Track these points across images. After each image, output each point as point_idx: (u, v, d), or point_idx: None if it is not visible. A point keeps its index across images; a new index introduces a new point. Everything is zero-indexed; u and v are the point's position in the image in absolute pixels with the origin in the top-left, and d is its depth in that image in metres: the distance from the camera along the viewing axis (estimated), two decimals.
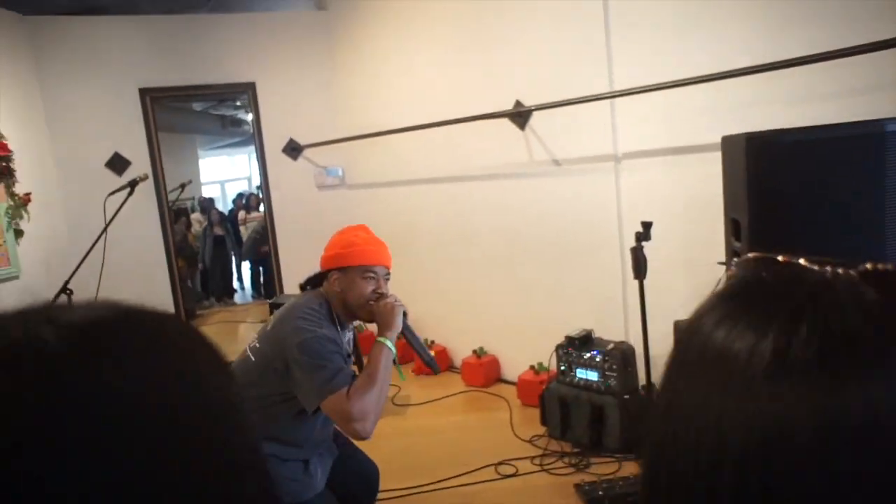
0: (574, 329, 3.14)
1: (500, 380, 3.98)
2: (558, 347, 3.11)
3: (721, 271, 2.08)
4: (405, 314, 1.84)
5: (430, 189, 4.28)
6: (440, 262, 4.31)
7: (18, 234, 4.02)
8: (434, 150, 4.15)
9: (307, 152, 4.85)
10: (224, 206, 10.66)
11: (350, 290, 1.83)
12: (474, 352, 4.00)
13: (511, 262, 3.79)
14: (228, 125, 9.67)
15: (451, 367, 4.32)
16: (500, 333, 3.97)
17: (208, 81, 4.73)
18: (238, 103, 8.75)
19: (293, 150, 4.82)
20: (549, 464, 2.84)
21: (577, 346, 3.02)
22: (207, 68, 4.68)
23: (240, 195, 10.19)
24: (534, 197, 3.57)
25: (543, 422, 3.15)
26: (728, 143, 2.00)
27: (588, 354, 2.98)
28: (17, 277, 4.01)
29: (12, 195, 3.98)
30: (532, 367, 3.58)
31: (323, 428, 1.92)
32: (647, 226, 2.48)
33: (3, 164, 3.90)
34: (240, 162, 13.60)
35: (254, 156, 13.53)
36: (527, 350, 3.74)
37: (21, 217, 4.04)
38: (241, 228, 7.77)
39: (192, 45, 4.68)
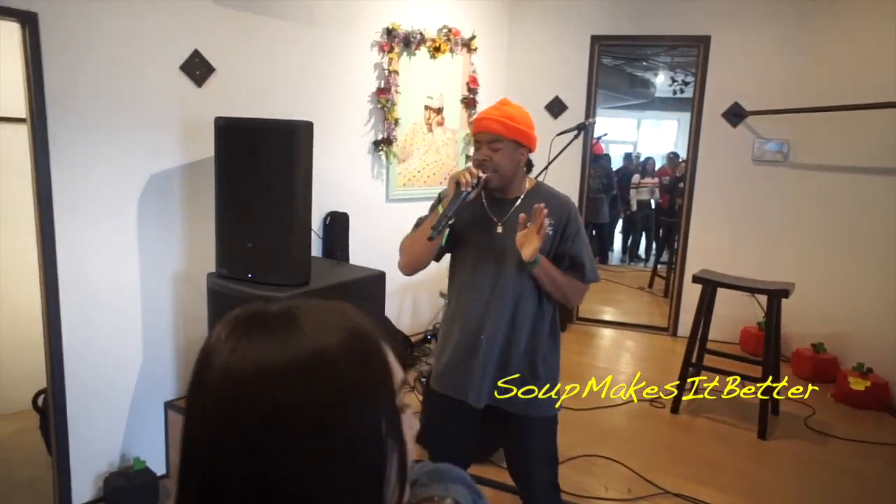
0: None
1: None
2: None
3: None
4: (458, 184, 1.76)
5: None
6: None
7: (467, 160, 4.52)
8: None
9: (750, 119, 4.31)
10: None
11: None
12: None
13: None
14: (638, 85, 9.45)
15: (890, 408, 3.46)
16: None
17: (661, 32, 4.52)
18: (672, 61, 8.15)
19: (735, 115, 4.32)
20: None
21: None
22: (661, 18, 4.46)
23: (628, 155, 9.94)
24: None
25: None
26: None
27: None
28: None
29: (470, 125, 4.46)
30: None
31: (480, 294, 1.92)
32: None
33: (472, 96, 4.37)
34: (625, 125, 13.41)
35: (644, 121, 13.35)
36: None
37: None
38: (632, 191, 7.59)
39: None
